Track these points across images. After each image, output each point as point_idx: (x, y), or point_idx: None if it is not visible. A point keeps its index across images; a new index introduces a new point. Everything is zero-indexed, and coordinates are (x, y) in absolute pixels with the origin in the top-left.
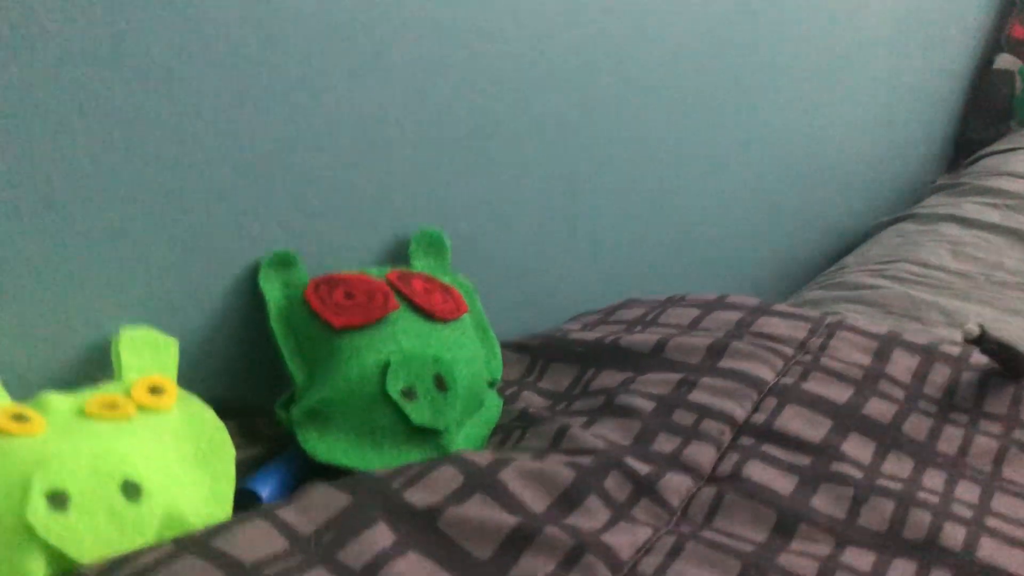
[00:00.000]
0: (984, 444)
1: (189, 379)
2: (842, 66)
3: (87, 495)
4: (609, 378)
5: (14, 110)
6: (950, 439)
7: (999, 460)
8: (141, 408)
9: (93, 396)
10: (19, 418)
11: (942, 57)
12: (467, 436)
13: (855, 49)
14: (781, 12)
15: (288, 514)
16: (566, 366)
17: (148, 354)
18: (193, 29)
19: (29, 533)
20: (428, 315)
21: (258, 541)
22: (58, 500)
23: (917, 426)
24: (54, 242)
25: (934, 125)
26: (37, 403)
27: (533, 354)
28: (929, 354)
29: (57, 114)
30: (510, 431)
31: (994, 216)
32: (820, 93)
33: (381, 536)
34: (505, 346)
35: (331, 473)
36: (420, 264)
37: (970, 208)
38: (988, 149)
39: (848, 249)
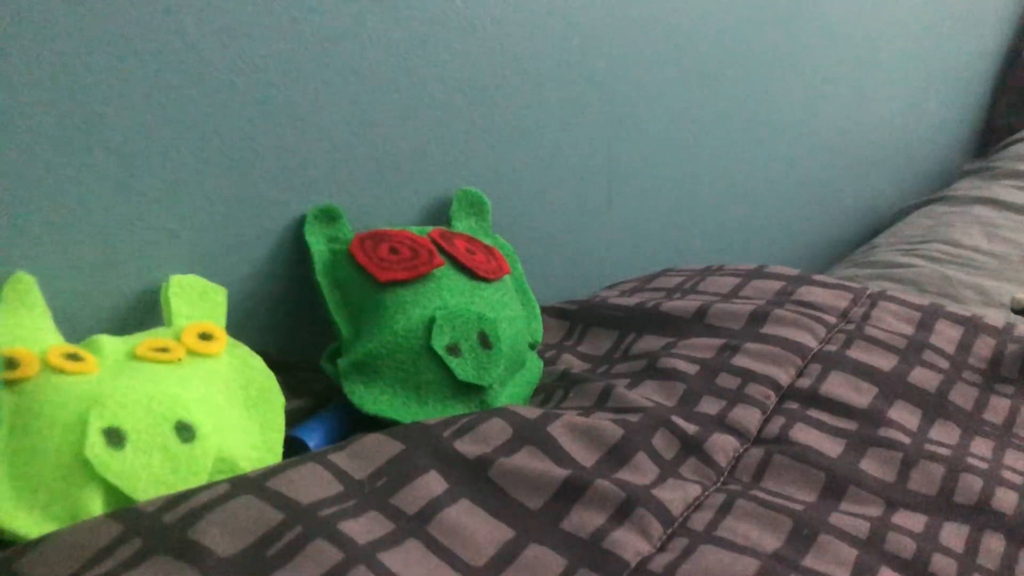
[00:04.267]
0: None
1: (236, 331)
2: (874, 49)
3: (142, 434)
4: (650, 342)
5: (69, 39)
6: (996, 409)
7: None
8: (191, 353)
9: (144, 340)
10: (73, 357)
11: (973, 41)
12: (510, 395)
13: (887, 32)
14: None
15: (341, 459)
16: (605, 331)
17: (197, 301)
18: None
19: (86, 469)
20: (471, 274)
21: (312, 483)
22: (114, 437)
23: (963, 395)
24: (110, 188)
25: (964, 110)
26: (89, 344)
27: (572, 319)
28: (972, 325)
29: (120, 66)
30: (552, 391)
31: None
32: (852, 75)
33: (433, 483)
34: (544, 311)
35: (376, 425)
36: (461, 225)
37: (1002, 191)
38: (1019, 135)
39: (876, 231)
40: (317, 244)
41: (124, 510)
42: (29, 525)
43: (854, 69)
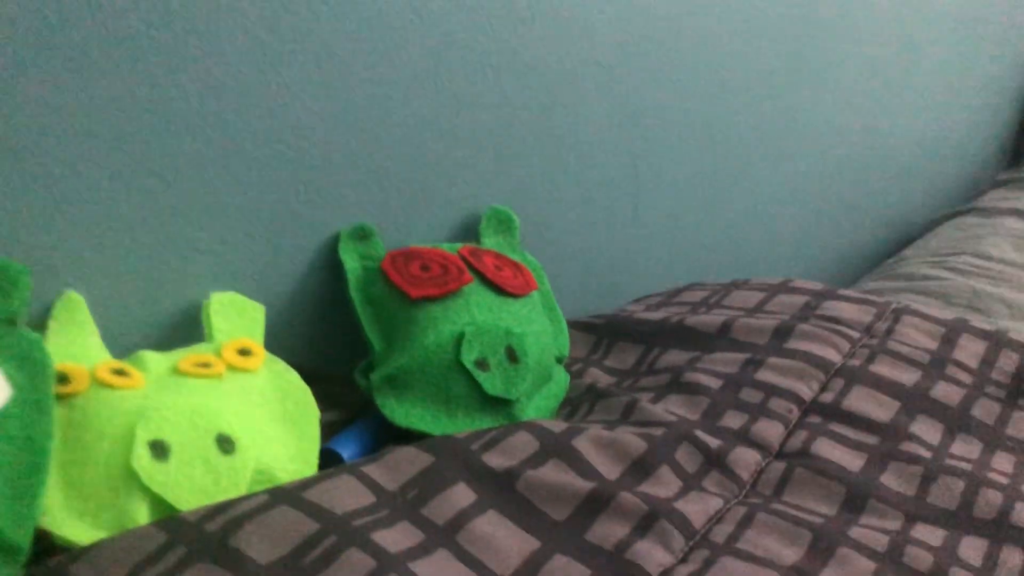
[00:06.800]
0: None
1: (273, 345)
2: (903, 60)
3: (186, 446)
4: (675, 357)
5: (118, 73)
6: (1019, 424)
7: None
8: (231, 368)
9: (186, 355)
10: (120, 373)
11: (1005, 48)
12: (537, 407)
13: (918, 41)
14: (844, 2)
15: (374, 471)
16: (631, 345)
17: (237, 318)
18: (281, 13)
19: (133, 480)
20: (500, 290)
21: (347, 494)
22: (160, 450)
23: (985, 410)
24: (154, 211)
25: (996, 119)
26: (134, 360)
27: (598, 333)
28: (996, 340)
29: (161, 87)
30: (578, 404)
31: None
32: (882, 85)
33: (462, 495)
34: (570, 325)
35: (408, 437)
36: (490, 241)
37: None
38: None
39: (907, 242)
40: (351, 261)
41: (169, 519)
42: (80, 532)
43: (883, 80)
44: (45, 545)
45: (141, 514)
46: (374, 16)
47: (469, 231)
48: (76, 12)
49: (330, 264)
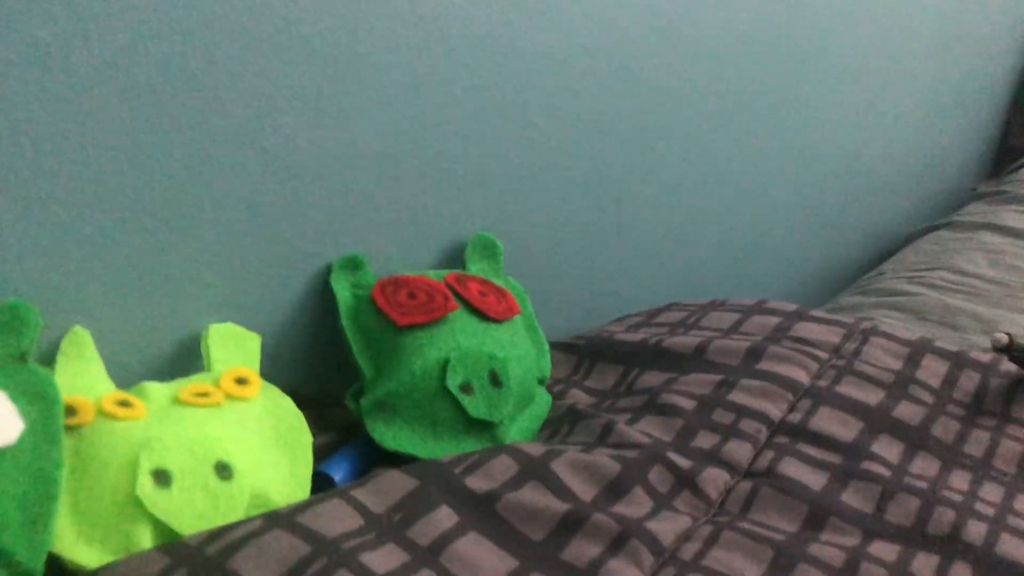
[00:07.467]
0: (1010, 448)
1: (268, 372)
2: (883, 72)
3: (186, 474)
4: (652, 378)
5: (121, 123)
6: (977, 442)
7: None
8: (228, 397)
9: (186, 385)
10: (123, 404)
11: (984, 63)
12: (519, 429)
13: (896, 55)
14: (822, 18)
15: (362, 495)
16: (611, 366)
17: (234, 347)
18: (276, 48)
19: (137, 507)
20: (483, 316)
21: (336, 518)
22: (162, 478)
23: (945, 429)
24: (154, 248)
25: (975, 132)
26: (137, 390)
27: (580, 354)
28: (959, 360)
29: (159, 127)
30: (559, 426)
31: None
32: (861, 99)
33: (445, 517)
34: (553, 346)
35: (396, 459)
36: (475, 267)
37: (1009, 216)
38: None
39: (888, 254)
40: (342, 291)
41: (171, 544)
42: (89, 556)
43: (863, 95)
44: (57, 569)
45: (145, 539)
46: (361, 56)
47: (455, 257)
48: (75, 47)
49: (322, 293)
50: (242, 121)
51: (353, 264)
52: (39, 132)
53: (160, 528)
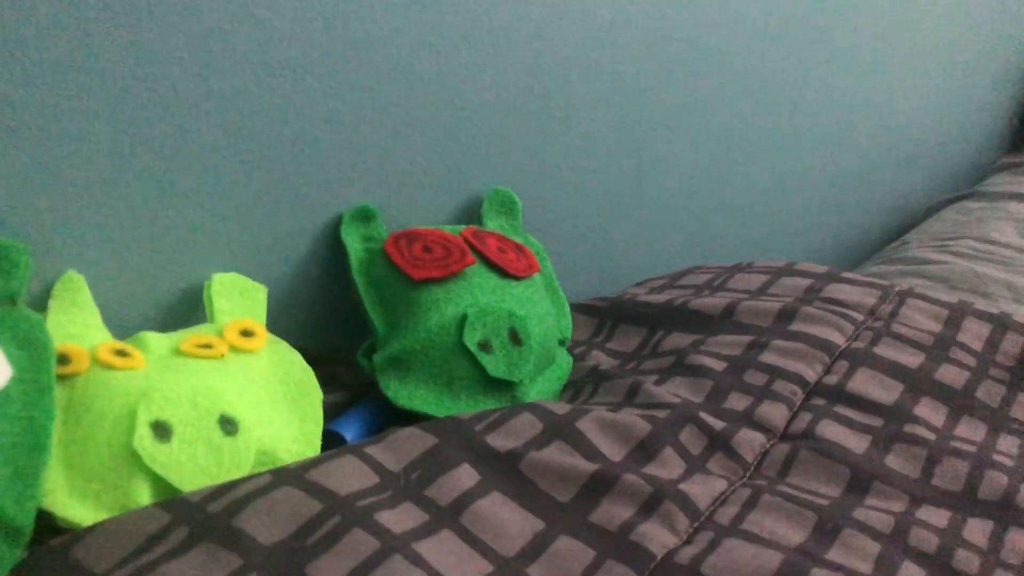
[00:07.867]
0: None
1: (275, 327)
2: (906, 44)
3: (188, 427)
4: (679, 339)
5: (119, 50)
6: (1023, 407)
7: None
8: (233, 349)
9: (187, 336)
10: (121, 353)
11: (1008, 33)
12: (540, 391)
13: (920, 27)
14: None
15: (377, 452)
16: (635, 328)
17: (239, 299)
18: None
19: (135, 461)
20: (502, 272)
21: (350, 475)
22: (161, 430)
23: (990, 393)
24: (154, 191)
25: (999, 103)
26: (135, 340)
27: (601, 316)
28: (1001, 323)
29: (163, 74)
30: (581, 386)
31: None
32: (884, 69)
33: (466, 476)
34: (573, 308)
35: (410, 419)
36: (492, 224)
37: None
38: None
39: (909, 227)
40: (353, 243)
41: (172, 500)
42: (83, 513)
43: (886, 64)
44: (47, 526)
45: (143, 495)
46: (376, 2)
47: (471, 213)
48: None
49: (332, 245)
50: (246, 53)
51: (365, 215)
52: (30, 59)
53: (159, 484)
